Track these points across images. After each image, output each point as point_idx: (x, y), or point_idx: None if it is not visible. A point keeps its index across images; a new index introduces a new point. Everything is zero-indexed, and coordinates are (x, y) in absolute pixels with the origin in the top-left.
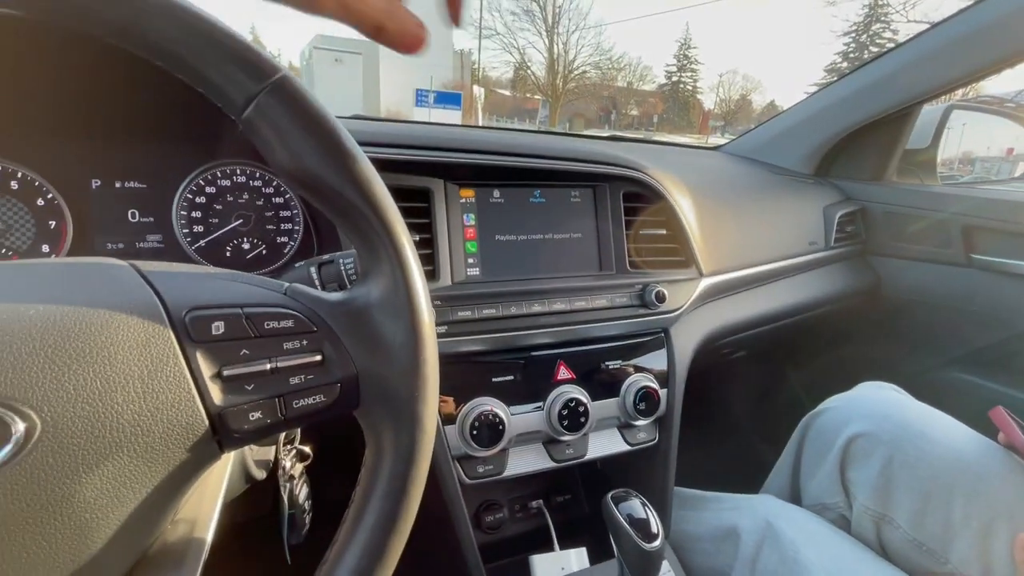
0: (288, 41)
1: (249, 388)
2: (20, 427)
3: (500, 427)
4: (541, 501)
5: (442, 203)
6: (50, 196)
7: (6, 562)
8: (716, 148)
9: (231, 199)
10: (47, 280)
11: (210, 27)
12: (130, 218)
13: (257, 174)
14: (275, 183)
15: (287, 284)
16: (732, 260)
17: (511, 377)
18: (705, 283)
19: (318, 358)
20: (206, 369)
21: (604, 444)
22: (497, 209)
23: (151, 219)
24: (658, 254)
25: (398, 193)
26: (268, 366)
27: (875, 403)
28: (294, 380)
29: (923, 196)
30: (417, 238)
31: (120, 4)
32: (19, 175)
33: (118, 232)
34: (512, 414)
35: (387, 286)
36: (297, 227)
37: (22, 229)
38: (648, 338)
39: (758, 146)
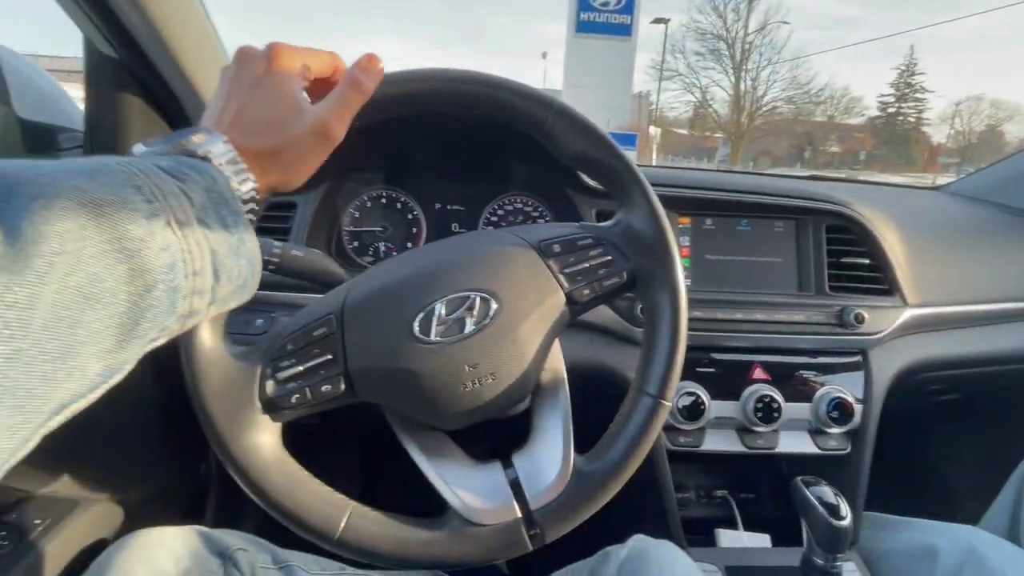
0: None
1: (579, 279)
2: (493, 303)
3: (701, 407)
4: (727, 491)
5: None
6: (415, 212)
7: (498, 367)
8: (936, 188)
9: (511, 220)
10: (477, 239)
11: (510, 84)
12: (452, 229)
13: (528, 202)
14: (539, 208)
15: (579, 223)
16: (944, 295)
17: (713, 370)
18: (910, 313)
19: (609, 258)
20: (556, 270)
21: (794, 443)
22: (708, 234)
23: (464, 230)
24: (859, 281)
25: None
26: (587, 264)
27: None
28: (600, 272)
29: None
30: None
31: (473, 85)
32: (401, 199)
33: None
34: (711, 399)
35: (639, 207)
36: None
37: (398, 233)
38: (845, 358)
39: (994, 185)
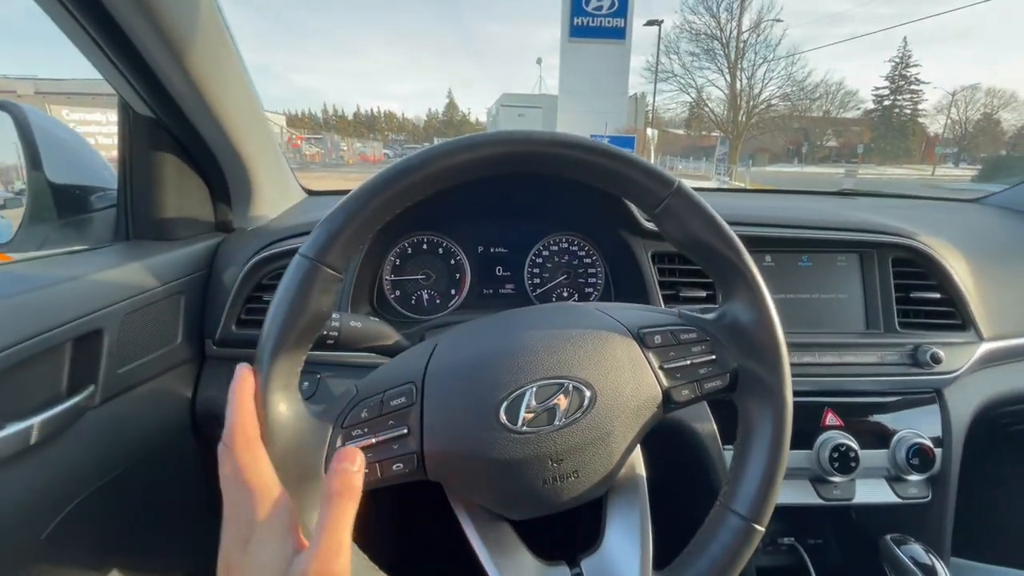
0: (476, 101)
1: (679, 376)
2: (588, 394)
3: None
4: (793, 539)
5: None
6: (459, 258)
7: (582, 466)
8: (975, 200)
9: (557, 260)
10: (570, 315)
11: (635, 160)
12: (496, 273)
13: (575, 241)
14: (586, 247)
15: (677, 310)
16: (1018, 324)
17: None
18: (986, 347)
19: (712, 356)
20: (655, 363)
21: (871, 492)
22: (768, 271)
23: (508, 273)
24: (931, 316)
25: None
26: (688, 362)
27: None
28: (702, 371)
29: None
30: (703, 294)
31: (579, 151)
32: (443, 244)
33: (489, 282)
34: None
35: (746, 301)
36: (599, 280)
37: (442, 279)
38: (920, 396)
39: None
